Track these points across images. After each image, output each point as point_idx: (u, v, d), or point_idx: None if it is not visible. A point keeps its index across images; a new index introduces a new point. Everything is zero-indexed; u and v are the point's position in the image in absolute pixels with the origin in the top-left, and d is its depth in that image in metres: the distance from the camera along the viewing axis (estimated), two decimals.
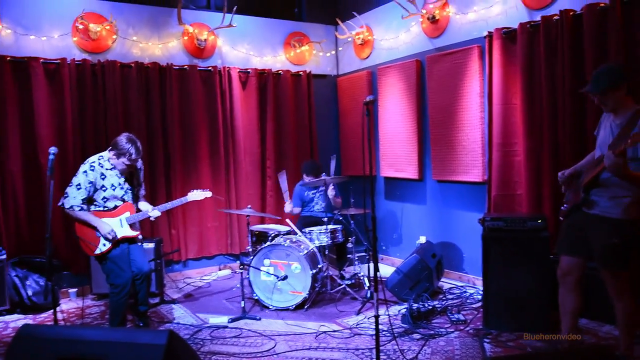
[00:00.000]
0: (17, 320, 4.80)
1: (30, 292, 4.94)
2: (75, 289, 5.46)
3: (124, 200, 4.16)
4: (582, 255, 3.35)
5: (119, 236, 4.06)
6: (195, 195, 4.50)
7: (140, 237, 4.30)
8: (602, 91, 3.14)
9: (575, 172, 3.41)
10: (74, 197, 3.96)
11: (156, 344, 1.99)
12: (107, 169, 4.07)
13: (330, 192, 5.58)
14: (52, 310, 3.70)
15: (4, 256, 4.92)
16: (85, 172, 3.98)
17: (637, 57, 3.96)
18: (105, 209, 4.08)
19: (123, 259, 4.08)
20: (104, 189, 4.05)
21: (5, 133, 5.25)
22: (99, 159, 4.07)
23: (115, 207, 4.12)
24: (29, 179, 5.34)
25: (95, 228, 4.01)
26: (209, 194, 4.57)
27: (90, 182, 3.98)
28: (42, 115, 5.38)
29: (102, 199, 4.06)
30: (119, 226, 4.09)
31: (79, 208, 3.98)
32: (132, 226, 4.17)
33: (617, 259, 3.15)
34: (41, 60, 5.36)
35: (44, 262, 5.10)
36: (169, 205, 4.44)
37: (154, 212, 4.26)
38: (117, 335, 2.08)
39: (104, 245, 4.03)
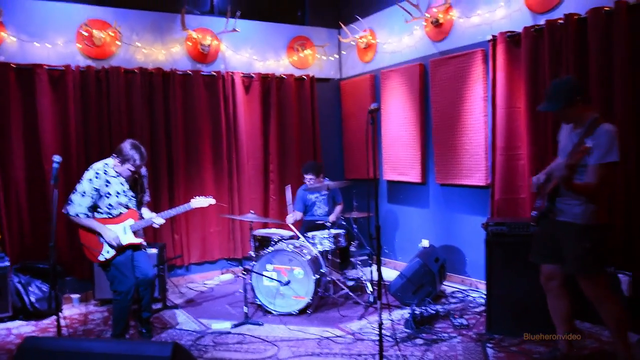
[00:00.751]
0: (19, 327, 4.80)
1: (33, 299, 4.95)
2: (78, 295, 5.47)
3: (128, 207, 4.15)
4: (557, 262, 3.39)
5: (123, 243, 4.06)
6: (199, 202, 4.45)
7: (144, 243, 4.30)
8: (559, 110, 3.24)
9: (547, 177, 3.42)
10: (79, 205, 3.95)
11: (160, 356, 2.00)
12: (112, 176, 4.06)
13: (332, 217, 5.59)
14: (54, 317, 3.71)
15: (7, 262, 4.91)
16: (90, 179, 3.98)
17: None
18: (109, 216, 4.07)
19: (127, 266, 4.08)
20: (108, 196, 4.04)
21: (10, 139, 5.27)
22: (104, 166, 4.06)
23: (120, 214, 4.11)
24: (33, 185, 5.36)
25: (99, 234, 4.01)
26: (212, 201, 4.53)
27: (96, 190, 3.97)
28: (46, 122, 5.40)
29: (107, 206, 4.05)
30: (123, 233, 4.08)
31: (84, 215, 3.98)
32: (135, 233, 4.16)
33: (590, 263, 3.20)
34: (45, 67, 5.38)
35: (47, 268, 5.10)
36: (172, 212, 4.40)
37: (157, 219, 4.25)
38: (121, 347, 2.09)
39: (108, 252, 4.03)
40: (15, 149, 5.30)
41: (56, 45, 5.51)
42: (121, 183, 4.10)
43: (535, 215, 3.42)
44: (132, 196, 4.19)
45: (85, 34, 5.57)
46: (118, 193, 4.08)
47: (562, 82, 3.32)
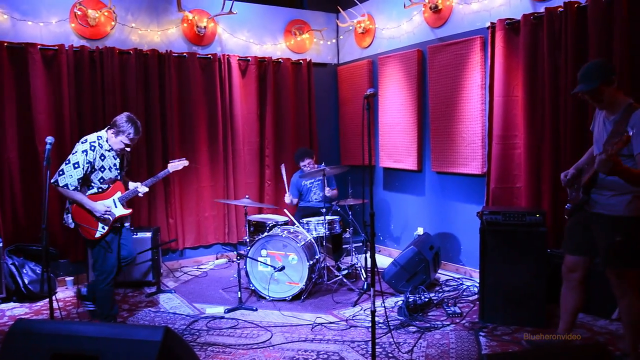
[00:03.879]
0: (13, 309, 4.80)
1: (26, 280, 4.94)
2: (71, 277, 5.46)
3: (114, 181, 4.13)
4: (587, 254, 3.34)
5: (116, 215, 4.04)
6: (175, 165, 4.50)
7: (128, 224, 4.29)
8: (596, 89, 3.09)
9: (577, 171, 3.38)
10: (70, 176, 3.86)
11: (152, 340, 1.98)
12: (106, 150, 4.01)
13: (328, 192, 5.57)
14: (48, 299, 3.69)
15: (0, 244, 4.90)
16: (85, 151, 3.89)
17: None
18: (100, 190, 4.04)
19: (115, 242, 4.09)
20: (102, 169, 4.00)
21: (3, 120, 5.21)
22: (98, 139, 3.99)
23: (109, 187, 4.09)
24: (26, 166, 5.31)
25: (89, 211, 3.96)
26: (185, 162, 4.58)
27: (89, 162, 3.90)
28: (39, 102, 5.33)
29: (100, 180, 4.01)
30: (114, 206, 4.06)
31: (74, 188, 3.89)
32: (124, 205, 4.16)
33: (620, 256, 3.12)
34: (39, 46, 5.30)
35: (40, 250, 5.09)
36: (154, 179, 4.38)
37: (142, 188, 4.25)
38: (112, 331, 2.07)
39: (103, 228, 4.00)
40: (8, 129, 5.24)
41: (50, 25, 5.42)
42: (113, 157, 4.06)
43: (569, 207, 3.38)
44: (119, 171, 4.16)
45: (80, 13, 5.49)
46: (110, 168, 4.06)
47: (597, 62, 3.20)
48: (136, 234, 5.36)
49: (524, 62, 4.66)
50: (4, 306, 4.85)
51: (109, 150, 4.02)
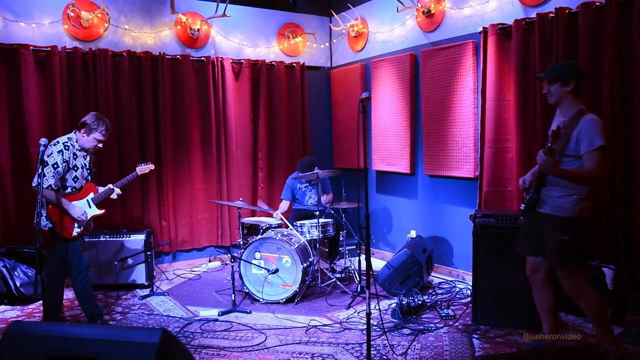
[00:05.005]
0: (4, 312, 4.76)
1: (18, 283, 4.90)
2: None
3: (87, 181, 4.24)
4: (541, 254, 3.43)
5: (89, 216, 4.17)
6: (142, 169, 4.71)
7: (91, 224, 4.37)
8: (550, 79, 3.26)
9: (533, 177, 3.45)
10: (52, 177, 3.93)
11: (149, 342, 1.98)
12: (77, 149, 4.14)
13: (324, 198, 5.58)
14: (40, 302, 3.67)
15: None
16: (60, 151, 3.98)
17: (631, 56, 3.98)
18: (74, 189, 4.13)
19: (84, 239, 4.24)
20: (75, 168, 4.12)
21: None
22: (68, 140, 4.10)
23: (82, 187, 4.19)
24: (18, 168, 5.28)
25: (66, 211, 4.04)
26: (152, 166, 4.81)
27: (65, 161, 4.00)
28: (31, 104, 5.30)
29: (73, 179, 4.12)
30: (88, 207, 4.19)
31: (57, 188, 3.99)
32: (97, 206, 4.28)
33: (568, 256, 3.23)
34: (31, 47, 5.27)
35: (32, 253, 5.07)
36: (124, 180, 4.51)
37: (116, 190, 4.39)
38: (109, 333, 2.06)
39: (78, 227, 4.10)
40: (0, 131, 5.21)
41: (42, 26, 5.40)
42: (83, 157, 4.19)
43: (523, 207, 3.46)
44: (89, 171, 4.28)
45: (73, 14, 5.47)
46: (82, 166, 4.17)
47: (569, 63, 3.36)
48: (129, 236, 5.36)
49: (515, 66, 4.70)
50: None
51: (79, 150, 4.15)
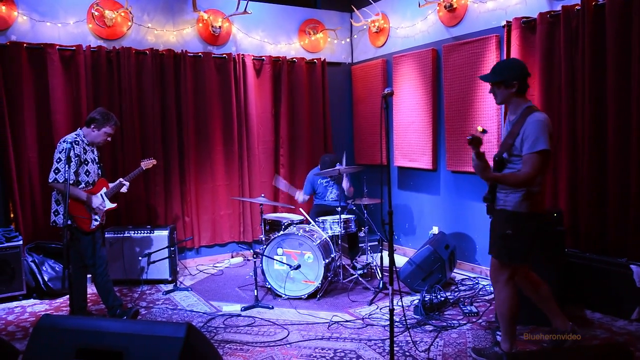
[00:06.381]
0: (33, 305, 4.87)
1: (46, 278, 5.01)
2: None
3: (99, 176, 4.38)
4: None
5: (105, 208, 4.32)
6: (146, 164, 4.93)
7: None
8: (493, 82, 3.27)
9: None
10: (66, 171, 3.98)
11: (175, 336, 2.01)
12: (86, 144, 4.24)
13: (345, 183, 5.58)
14: (67, 296, 3.75)
15: (20, 242, 4.99)
16: (71, 146, 4.04)
17: None
18: (87, 184, 4.24)
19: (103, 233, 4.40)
20: (86, 162, 4.22)
21: (22, 119, 5.29)
22: (76, 136, 4.20)
23: (94, 182, 4.31)
24: (45, 166, 5.36)
25: (84, 204, 4.15)
26: (154, 161, 5.00)
27: (77, 155, 4.10)
28: (57, 102, 5.41)
29: (85, 173, 4.22)
30: (102, 201, 4.32)
31: (73, 181, 4.10)
32: (110, 200, 4.41)
33: (506, 249, 3.24)
34: (57, 46, 5.37)
35: (59, 248, 5.17)
36: (132, 175, 4.70)
37: (126, 183, 4.54)
38: (136, 327, 2.10)
39: (96, 220, 4.22)
40: (27, 129, 5.33)
41: (67, 25, 5.49)
42: (92, 151, 4.30)
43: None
44: (98, 165, 4.40)
45: (97, 14, 5.56)
46: (92, 160, 4.28)
47: (512, 62, 3.42)
48: (153, 232, 5.44)
49: (540, 61, 4.63)
50: (24, 302, 4.93)
51: (87, 145, 4.25)
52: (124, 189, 4.54)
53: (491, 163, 3.31)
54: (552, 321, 3.54)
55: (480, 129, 3.21)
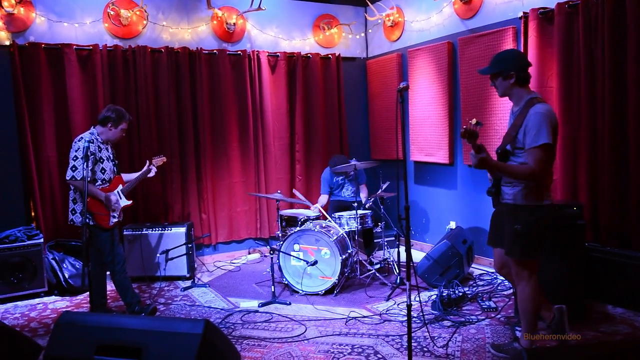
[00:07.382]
0: (55, 302, 4.95)
1: (67, 275, 5.08)
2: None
3: (114, 173, 4.42)
4: (502, 245, 3.37)
5: (122, 206, 4.39)
6: (157, 161, 4.96)
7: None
8: (491, 75, 3.24)
9: None
10: (84, 169, 4.03)
11: (193, 333, 2.03)
12: (100, 143, 4.29)
13: (363, 195, 5.60)
14: (88, 293, 3.81)
15: (41, 239, 5.06)
16: (86, 144, 4.07)
17: None
18: (104, 181, 4.30)
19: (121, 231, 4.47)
20: (101, 160, 4.27)
21: (42, 119, 5.37)
22: (90, 135, 4.24)
23: (110, 179, 4.36)
24: (64, 164, 5.40)
25: (101, 201, 4.21)
26: (164, 159, 5.06)
27: (92, 153, 4.15)
28: (75, 102, 5.47)
29: (101, 170, 4.27)
30: (119, 198, 4.38)
31: (90, 179, 4.13)
32: (126, 197, 4.48)
33: (518, 245, 3.17)
34: (74, 46, 5.43)
35: (79, 246, 5.24)
36: (142, 171, 4.77)
37: (153, 168, 4.73)
38: (155, 324, 2.12)
39: (114, 217, 4.28)
40: (47, 128, 5.40)
41: (84, 25, 5.55)
42: (106, 149, 4.35)
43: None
44: (113, 162, 4.44)
45: (112, 13, 5.60)
46: (108, 158, 4.33)
47: (505, 52, 3.34)
48: (170, 229, 5.48)
49: (558, 52, 4.56)
50: (46, 299, 5.01)
51: (102, 143, 4.29)
52: (151, 174, 4.71)
53: (494, 156, 3.26)
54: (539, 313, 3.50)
55: (474, 121, 3.10)
